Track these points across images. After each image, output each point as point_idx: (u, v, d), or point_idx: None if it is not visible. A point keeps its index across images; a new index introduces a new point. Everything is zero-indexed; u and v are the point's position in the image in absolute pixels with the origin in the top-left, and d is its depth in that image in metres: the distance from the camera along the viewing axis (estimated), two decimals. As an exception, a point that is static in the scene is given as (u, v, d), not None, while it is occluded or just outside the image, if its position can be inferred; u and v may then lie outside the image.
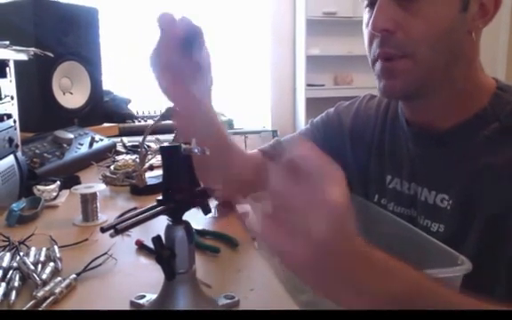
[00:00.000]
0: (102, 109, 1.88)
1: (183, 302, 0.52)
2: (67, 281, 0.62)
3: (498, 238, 0.62)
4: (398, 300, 0.41)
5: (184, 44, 0.65)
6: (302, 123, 3.87)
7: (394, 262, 0.42)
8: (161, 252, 0.50)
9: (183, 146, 0.50)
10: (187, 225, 0.52)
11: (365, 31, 0.70)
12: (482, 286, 0.47)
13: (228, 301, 0.57)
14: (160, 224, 0.54)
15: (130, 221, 0.49)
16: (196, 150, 0.49)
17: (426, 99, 0.69)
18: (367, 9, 0.69)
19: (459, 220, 0.66)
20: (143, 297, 0.58)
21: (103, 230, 0.47)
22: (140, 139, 1.14)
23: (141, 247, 0.73)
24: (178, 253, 0.51)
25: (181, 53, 0.65)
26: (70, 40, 1.65)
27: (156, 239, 0.50)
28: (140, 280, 0.65)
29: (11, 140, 1.03)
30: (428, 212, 0.70)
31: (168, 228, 0.52)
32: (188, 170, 0.51)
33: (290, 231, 0.37)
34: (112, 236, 0.46)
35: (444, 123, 0.70)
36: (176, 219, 0.52)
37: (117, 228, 0.47)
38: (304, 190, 0.37)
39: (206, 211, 0.53)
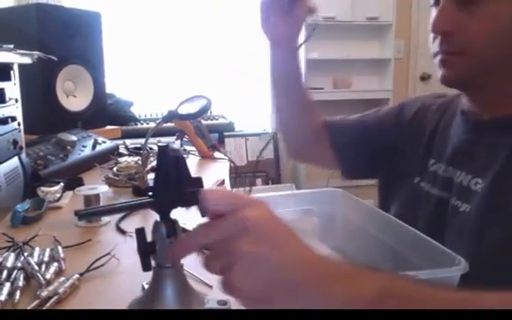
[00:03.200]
0: (105, 112, 1.89)
1: (169, 294, 0.55)
2: (70, 281, 0.63)
3: None
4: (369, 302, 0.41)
5: None
6: (303, 126, 3.88)
7: (353, 266, 0.44)
8: (140, 243, 0.52)
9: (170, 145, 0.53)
10: (172, 223, 0.53)
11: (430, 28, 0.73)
12: (498, 278, 0.47)
13: (217, 306, 0.56)
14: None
15: (101, 209, 0.51)
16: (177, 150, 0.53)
17: (480, 88, 0.72)
18: (433, 8, 0.72)
19: (486, 203, 0.67)
20: None
21: (76, 213, 0.52)
22: (142, 141, 1.15)
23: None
24: (159, 248, 0.53)
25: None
26: (74, 44, 1.66)
27: (139, 231, 0.52)
28: (143, 280, 0.66)
29: (15, 143, 1.04)
30: (460, 193, 0.72)
31: (154, 224, 0.54)
32: (178, 170, 0.52)
33: (223, 265, 0.42)
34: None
35: (495, 112, 0.72)
36: (162, 215, 0.54)
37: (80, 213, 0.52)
38: (224, 225, 0.42)
39: (203, 212, 0.53)
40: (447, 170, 0.76)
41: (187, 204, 0.53)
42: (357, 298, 0.41)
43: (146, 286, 0.60)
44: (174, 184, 0.51)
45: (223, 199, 0.44)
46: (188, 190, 0.51)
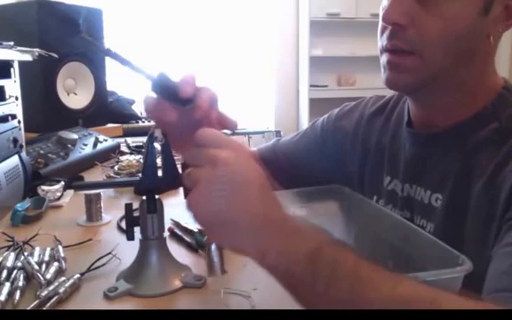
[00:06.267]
0: (106, 110, 1.88)
1: (153, 262, 0.63)
2: (71, 281, 0.62)
3: (487, 239, 0.59)
4: (302, 259, 0.42)
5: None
6: (305, 123, 3.87)
7: (299, 224, 0.46)
8: (127, 216, 0.60)
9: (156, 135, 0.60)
10: (154, 202, 0.61)
11: (380, 20, 0.69)
12: (474, 285, 0.46)
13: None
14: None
15: (91, 182, 0.59)
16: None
17: (429, 96, 0.68)
18: None
19: (448, 218, 0.65)
20: (116, 289, 0.62)
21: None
22: (143, 139, 1.14)
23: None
24: (142, 222, 0.62)
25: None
26: (75, 41, 1.65)
27: (128, 205, 0.60)
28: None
29: (15, 141, 1.03)
30: (423, 211, 0.69)
31: (140, 202, 0.62)
32: (155, 157, 0.60)
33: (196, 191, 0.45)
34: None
35: (445, 122, 0.68)
36: (147, 195, 0.61)
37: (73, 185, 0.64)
38: (198, 153, 0.46)
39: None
40: (404, 188, 0.73)
41: (164, 189, 0.62)
42: (293, 251, 0.43)
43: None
44: (153, 169, 0.59)
45: (212, 134, 0.47)
46: (165, 176, 0.59)
